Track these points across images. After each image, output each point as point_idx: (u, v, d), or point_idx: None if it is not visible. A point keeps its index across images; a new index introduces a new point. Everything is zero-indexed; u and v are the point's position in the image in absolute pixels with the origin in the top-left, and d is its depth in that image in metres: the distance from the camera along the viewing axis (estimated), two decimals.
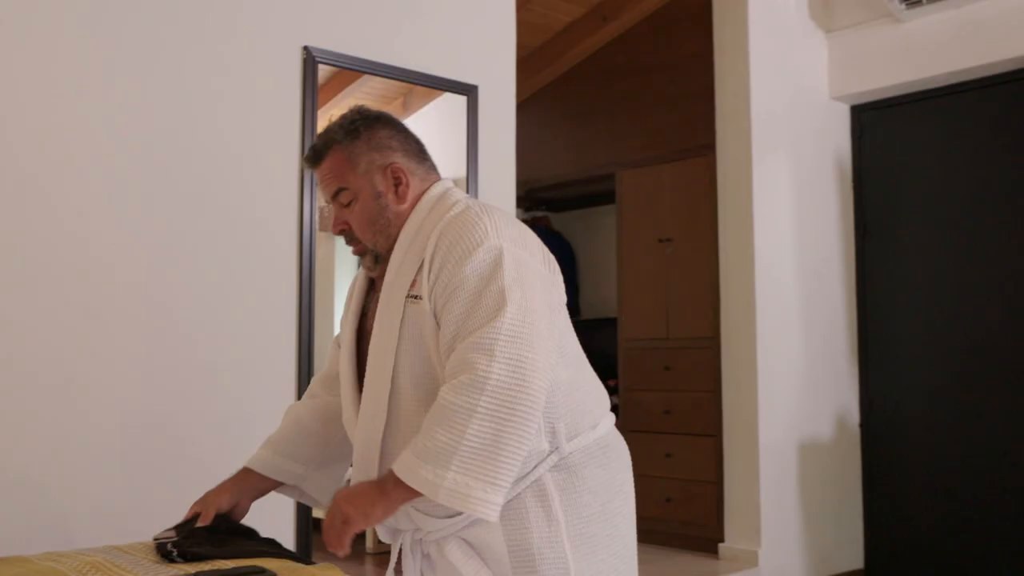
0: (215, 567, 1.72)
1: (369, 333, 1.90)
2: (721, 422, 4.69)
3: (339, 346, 2.06)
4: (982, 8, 4.56)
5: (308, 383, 3.14)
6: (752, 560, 4.43)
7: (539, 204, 6.69)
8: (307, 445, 2.09)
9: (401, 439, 1.78)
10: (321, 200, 3.28)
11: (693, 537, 4.86)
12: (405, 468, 1.65)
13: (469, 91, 3.64)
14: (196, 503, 2.04)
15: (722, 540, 4.63)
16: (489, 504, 1.62)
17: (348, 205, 1.87)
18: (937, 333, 4.84)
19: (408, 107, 3.58)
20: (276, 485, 2.10)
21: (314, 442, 2.09)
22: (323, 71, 3.24)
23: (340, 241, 1.96)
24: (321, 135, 1.91)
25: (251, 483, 2.07)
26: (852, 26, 5.03)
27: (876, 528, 4.96)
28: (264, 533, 2.88)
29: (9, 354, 2.56)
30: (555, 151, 6.03)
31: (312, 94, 3.19)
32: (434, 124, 3.63)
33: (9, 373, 2.56)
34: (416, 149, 1.94)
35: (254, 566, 1.72)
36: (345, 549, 1.73)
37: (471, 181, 3.63)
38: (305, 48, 3.18)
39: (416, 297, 1.78)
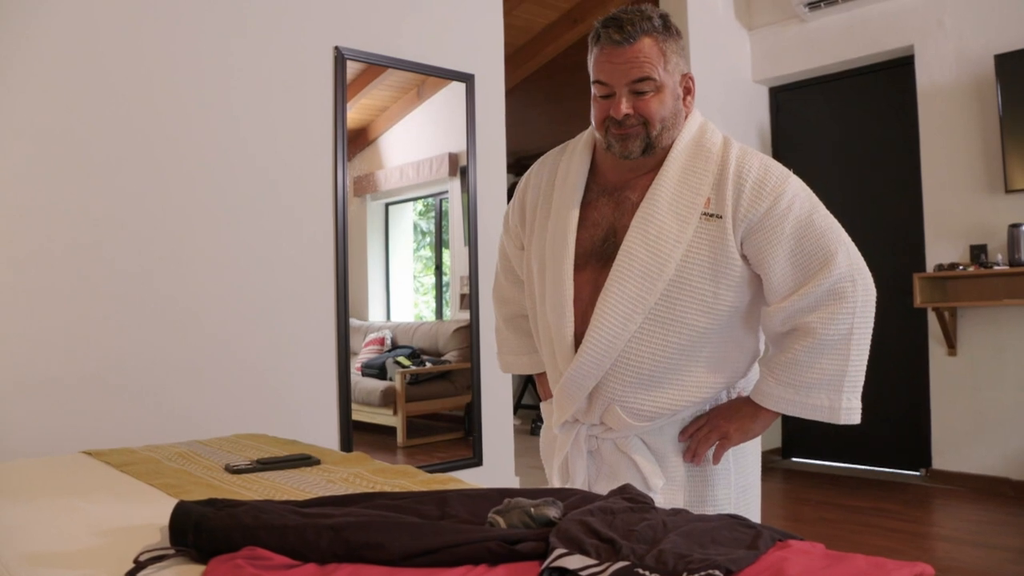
0: (272, 455, 1.68)
1: (589, 225, 1.48)
2: None
3: (521, 245, 1.62)
4: (868, 11, 4.52)
5: (346, 314, 3.08)
6: None
7: (525, 170, 6.57)
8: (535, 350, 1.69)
9: (645, 353, 1.41)
10: (352, 172, 3.20)
11: None
12: (786, 402, 1.40)
13: (468, 79, 3.57)
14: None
15: None
16: (859, 411, 1.40)
17: (642, 94, 1.40)
18: None
19: (421, 94, 3.51)
20: None
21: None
22: (351, 67, 3.16)
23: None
24: (629, 17, 1.39)
25: None
26: (768, 25, 4.95)
27: None
28: (313, 433, 2.85)
29: (144, 305, 2.56)
30: (537, 127, 5.95)
31: (342, 86, 3.12)
32: (442, 105, 3.56)
33: (152, 320, 2.56)
34: None
35: (303, 453, 1.68)
36: (705, 461, 1.48)
37: (471, 150, 3.57)
38: (336, 48, 3.11)
39: (714, 216, 1.39)
